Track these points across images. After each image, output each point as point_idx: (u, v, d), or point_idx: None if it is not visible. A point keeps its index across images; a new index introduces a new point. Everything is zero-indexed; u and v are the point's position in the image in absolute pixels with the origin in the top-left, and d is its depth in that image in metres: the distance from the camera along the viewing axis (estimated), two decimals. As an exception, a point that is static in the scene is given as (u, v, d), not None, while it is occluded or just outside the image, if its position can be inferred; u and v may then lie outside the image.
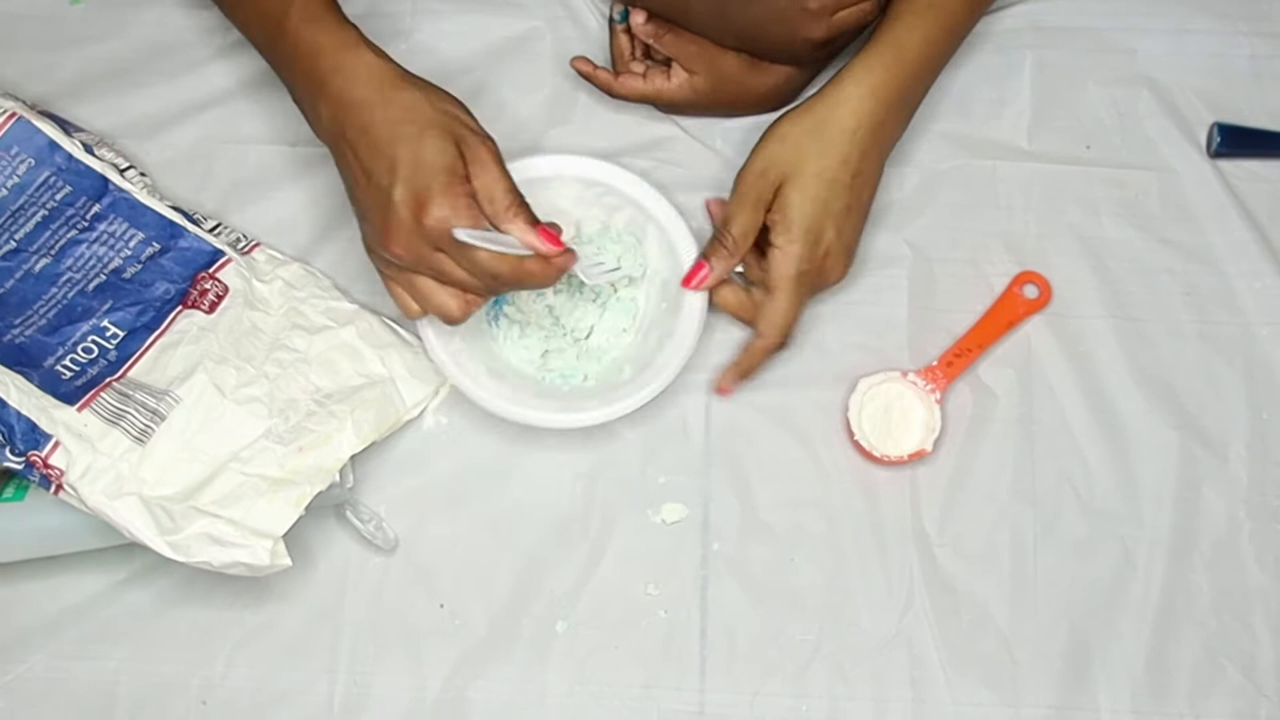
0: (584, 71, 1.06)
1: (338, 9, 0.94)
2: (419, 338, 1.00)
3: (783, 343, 0.99)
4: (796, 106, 0.98)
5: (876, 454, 0.99)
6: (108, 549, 0.93)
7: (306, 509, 0.95)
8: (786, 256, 0.96)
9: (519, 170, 0.94)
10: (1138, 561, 0.99)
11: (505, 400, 0.97)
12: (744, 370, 1.00)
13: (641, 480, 1.00)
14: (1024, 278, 1.04)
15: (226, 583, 0.93)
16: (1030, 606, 0.98)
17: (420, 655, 0.97)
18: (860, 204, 0.99)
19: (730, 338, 1.03)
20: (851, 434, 1.00)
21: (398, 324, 1.02)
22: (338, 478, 0.95)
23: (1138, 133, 1.09)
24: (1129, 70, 1.10)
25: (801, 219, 0.96)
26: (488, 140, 0.90)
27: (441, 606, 0.98)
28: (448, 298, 0.91)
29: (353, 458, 0.98)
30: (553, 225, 0.89)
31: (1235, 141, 1.08)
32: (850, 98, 0.97)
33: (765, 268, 0.98)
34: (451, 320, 0.92)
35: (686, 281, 0.99)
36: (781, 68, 1.04)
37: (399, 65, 0.92)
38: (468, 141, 0.89)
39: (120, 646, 0.97)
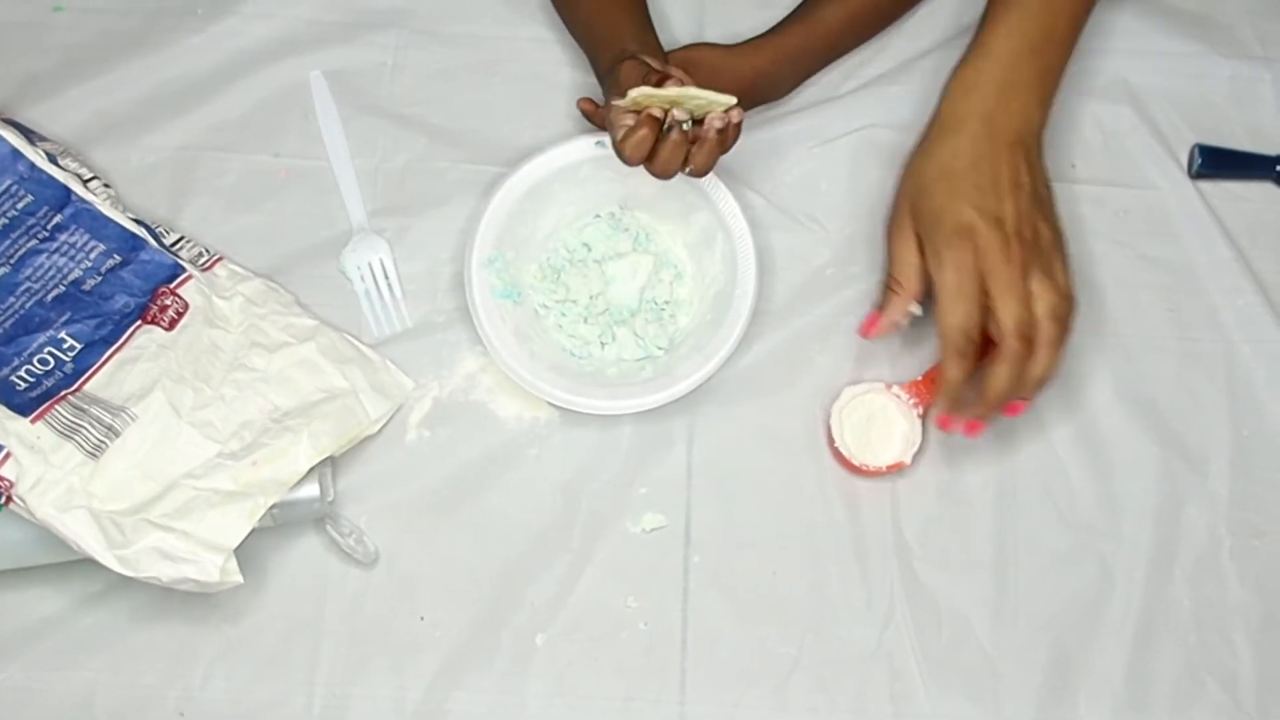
0: (586, 111, 1.05)
1: None
2: (380, 353, 1.02)
3: (969, 342, 0.94)
4: (918, 139, 1.00)
5: (856, 462, 0.99)
6: (82, 560, 0.93)
7: (283, 523, 0.95)
8: (933, 262, 0.95)
9: (587, 150, 1.01)
10: (1119, 576, 0.98)
11: (550, 385, 0.98)
12: (945, 391, 0.96)
13: (622, 491, 1.00)
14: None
15: (204, 595, 0.92)
16: (1011, 620, 0.98)
17: (400, 667, 0.96)
18: (1000, 181, 0.95)
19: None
20: (832, 440, 1.00)
21: (359, 339, 1.02)
22: (317, 491, 0.95)
23: (1121, 152, 1.09)
24: (1113, 91, 1.11)
25: (931, 217, 0.95)
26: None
27: (422, 619, 0.97)
28: None
29: (334, 471, 0.98)
30: None
31: (1215, 163, 1.08)
32: (945, 110, 0.99)
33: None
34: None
35: (865, 330, 1.00)
36: (762, 51, 1.05)
37: None
38: None
39: (97, 657, 0.96)
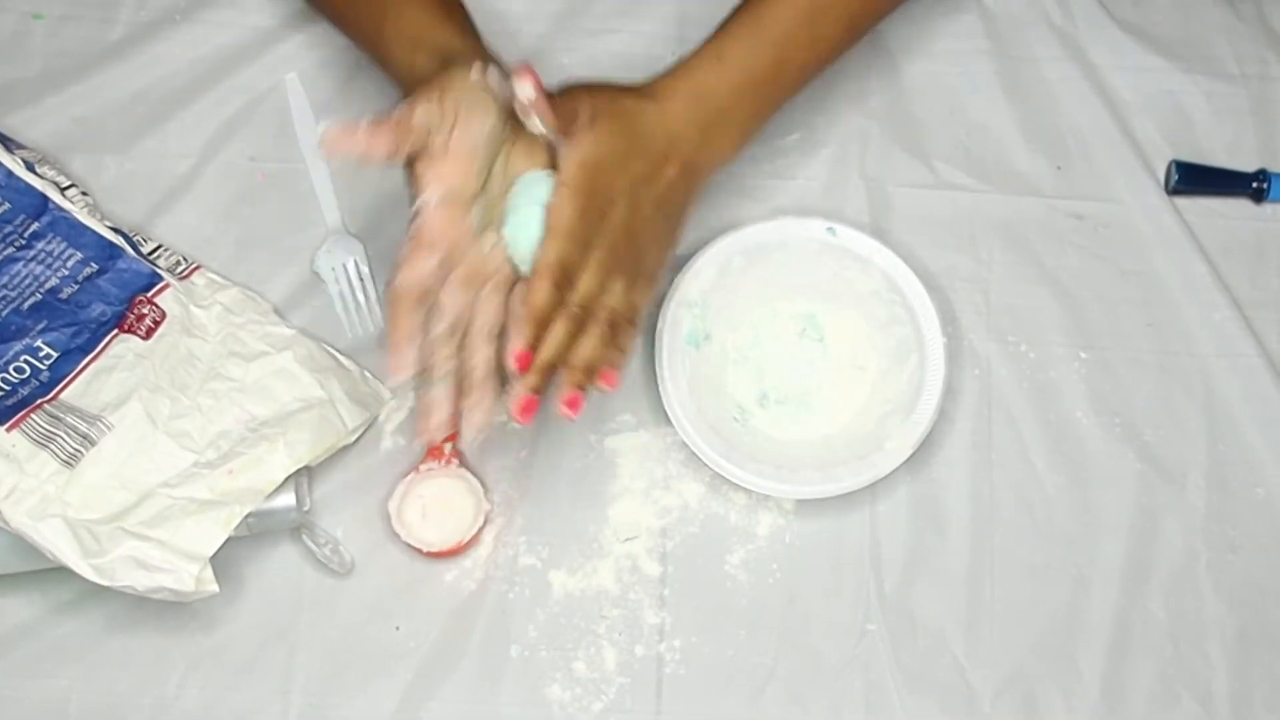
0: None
1: None
2: (358, 363, 1.01)
3: (560, 282, 0.88)
4: (616, 88, 0.95)
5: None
6: (58, 568, 0.92)
7: (259, 533, 0.95)
8: (569, 188, 0.89)
9: (757, 234, 1.03)
10: (1094, 589, 0.98)
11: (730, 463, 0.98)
12: (529, 315, 0.88)
13: (598, 502, 1.00)
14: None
15: (179, 603, 0.92)
16: (987, 632, 0.98)
17: (375, 677, 0.96)
18: (665, 206, 0.93)
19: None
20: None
21: (336, 349, 1.02)
22: (293, 500, 0.95)
23: (1100, 167, 1.10)
24: (1093, 106, 1.11)
25: (596, 160, 0.90)
26: None
27: (397, 628, 0.97)
28: None
29: (310, 481, 0.98)
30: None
31: (1192, 179, 1.09)
32: (661, 110, 0.93)
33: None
34: None
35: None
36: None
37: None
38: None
39: (72, 666, 0.96)
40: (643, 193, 0.91)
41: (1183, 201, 1.08)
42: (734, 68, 0.96)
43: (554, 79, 0.92)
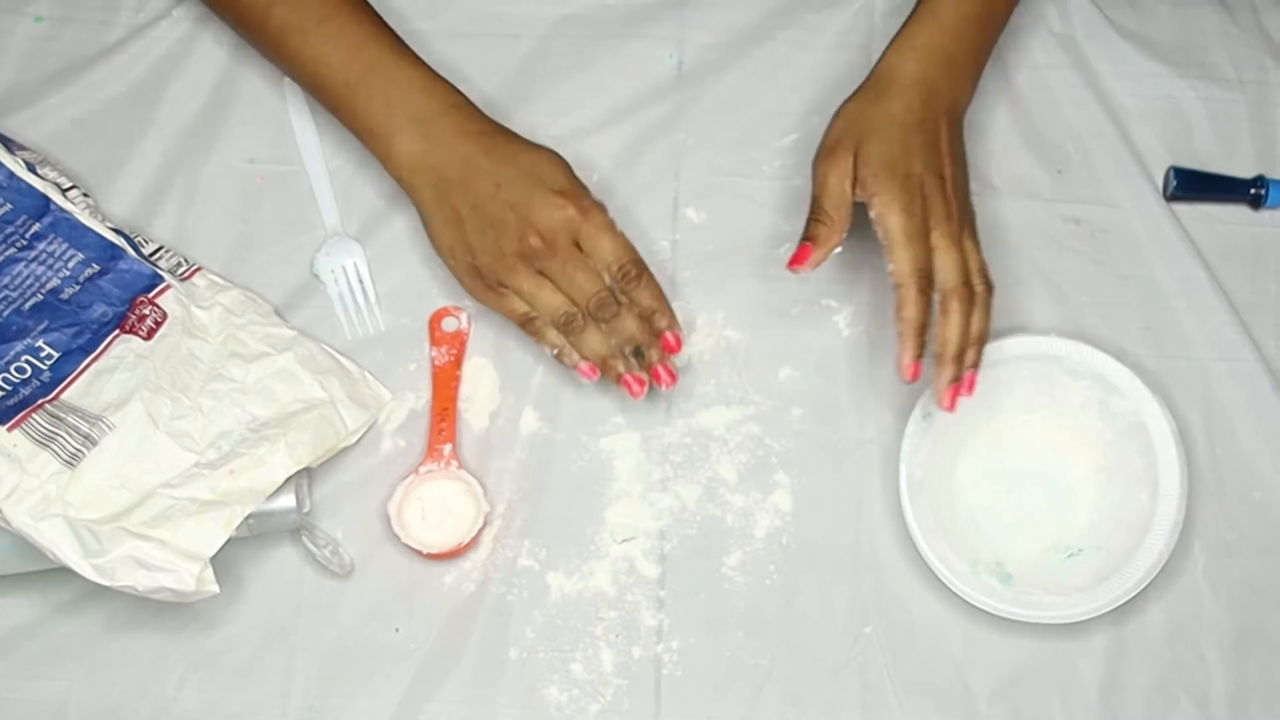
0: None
1: None
2: (358, 364, 1.02)
3: (928, 283, 0.95)
4: (855, 90, 1.01)
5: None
6: (58, 569, 0.92)
7: (259, 534, 0.95)
8: (881, 201, 0.95)
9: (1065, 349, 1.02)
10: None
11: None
12: (908, 330, 0.94)
13: (593, 503, 1.01)
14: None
15: (178, 604, 0.92)
16: (984, 634, 0.98)
17: (374, 678, 0.96)
18: (940, 145, 0.98)
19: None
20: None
21: (337, 350, 1.03)
22: (293, 502, 0.95)
23: (1099, 172, 1.10)
24: (1092, 111, 1.11)
25: (883, 161, 0.96)
26: None
27: (396, 630, 0.97)
28: (563, 300, 0.97)
29: (310, 482, 0.98)
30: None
31: (1190, 185, 1.09)
32: (898, 64, 1.00)
33: (876, 227, 0.96)
34: (606, 311, 0.97)
35: (794, 261, 0.97)
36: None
37: None
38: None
39: (71, 667, 0.96)
40: (933, 157, 0.97)
41: (1181, 207, 1.09)
42: (951, 18, 1.01)
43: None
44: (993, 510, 1.01)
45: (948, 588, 0.97)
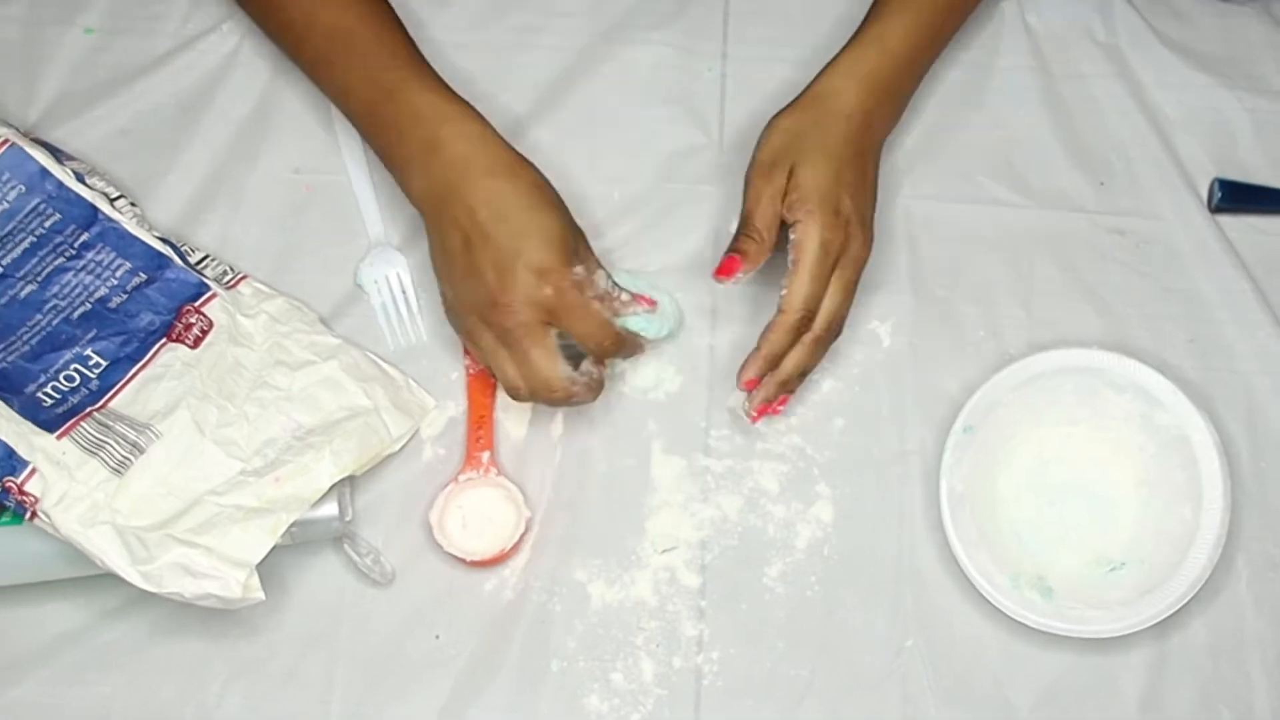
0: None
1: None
2: (402, 371, 1.02)
3: (808, 320, 0.96)
4: (790, 103, 1.01)
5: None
6: (104, 575, 0.93)
7: (302, 542, 0.96)
8: (806, 228, 0.95)
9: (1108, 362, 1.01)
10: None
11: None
12: (766, 356, 0.97)
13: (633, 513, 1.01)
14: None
15: (222, 611, 0.93)
16: (1024, 648, 0.97)
17: (414, 686, 0.97)
18: (867, 180, 1.00)
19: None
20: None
21: (381, 358, 1.03)
22: (335, 510, 0.96)
23: (1143, 183, 1.09)
24: (1137, 122, 1.10)
25: (816, 190, 0.96)
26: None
27: (437, 638, 0.98)
28: (514, 374, 0.95)
29: (352, 490, 0.98)
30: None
31: (1235, 197, 1.08)
32: (840, 89, 1.00)
33: (791, 247, 0.97)
34: (554, 397, 0.95)
35: (721, 272, 0.97)
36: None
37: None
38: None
39: (114, 673, 0.97)
40: (860, 195, 0.99)
41: (1225, 219, 1.08)
42: (897, 48, 1.02)
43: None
44: (1034, 523, 1.01)
45: (989, 601, 0.97)
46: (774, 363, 0.97)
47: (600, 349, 0.96)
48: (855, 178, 0.98)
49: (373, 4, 1.01)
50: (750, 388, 0.97)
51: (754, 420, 0.99)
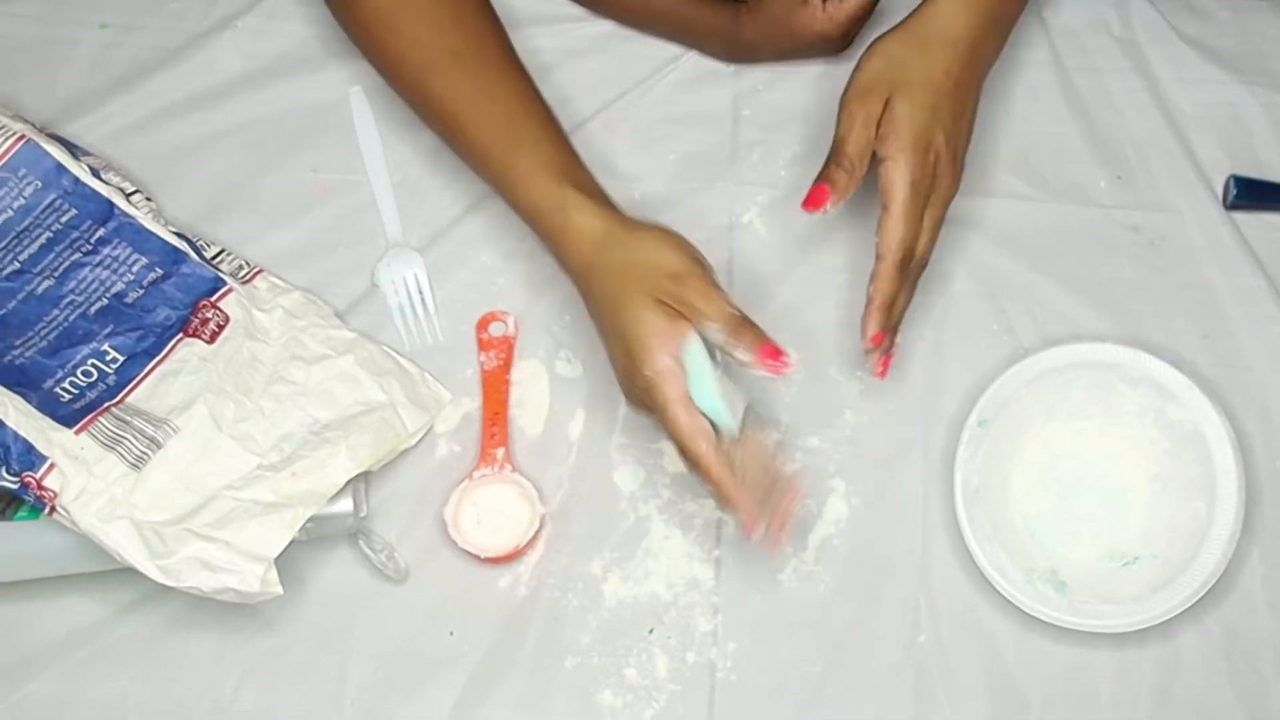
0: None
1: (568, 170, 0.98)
2: (418, 365, 1.03)
3: (909, 260, 0.95)
4: (895, 26, 0.98)
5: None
6: (120, 569, 0.94)
7: (317, 538, 0.96)
8: (896, 168, 0.94)
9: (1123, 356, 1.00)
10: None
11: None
12: (882, 304, 0.95)
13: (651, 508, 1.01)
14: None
15: (237, 607, 0.93)
16: (1038, 642, 0.97)
17: (428, 682, 0.97)
18: (965, 114, 0.98)
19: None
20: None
21: (397, 352, 1.03)
22: (350, 506, 0.96)
23: (1158, 180, 1.09)
24: (1152, 118, 1.11)
25: (911, 126, 0.94)
26: (699, 267, 0.92)
27: (451, 634, 0.98)
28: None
29: (367, 487, 0.99)
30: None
31: (1250, 194, 1.08)
32: (946, 13, 0.97)
33: (880, 186, 0.95)
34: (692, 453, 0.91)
35: (809, 203, 0.94)
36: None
37: (618, 218, 0.95)
38: (681, 282, 0.91)
39: (130, 668, 0.97)
40: (955, 130, 0.97)
41: (1241, 215, 1.08)
42: None
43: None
44: (1048, 518, 1.01)
45: (1002, 595, 0.97)
46: (889, 309, 0.96)
47: (689, 462, 0.92)
48: (952, 112, 0.96)
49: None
50: (878, 343, 0.96)
51: (882, 374, 0.98)
